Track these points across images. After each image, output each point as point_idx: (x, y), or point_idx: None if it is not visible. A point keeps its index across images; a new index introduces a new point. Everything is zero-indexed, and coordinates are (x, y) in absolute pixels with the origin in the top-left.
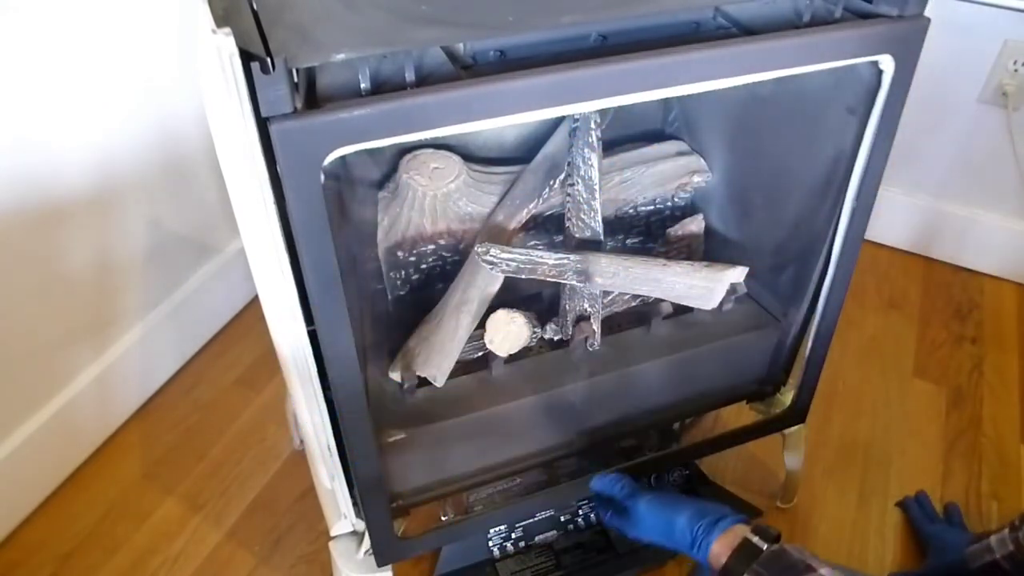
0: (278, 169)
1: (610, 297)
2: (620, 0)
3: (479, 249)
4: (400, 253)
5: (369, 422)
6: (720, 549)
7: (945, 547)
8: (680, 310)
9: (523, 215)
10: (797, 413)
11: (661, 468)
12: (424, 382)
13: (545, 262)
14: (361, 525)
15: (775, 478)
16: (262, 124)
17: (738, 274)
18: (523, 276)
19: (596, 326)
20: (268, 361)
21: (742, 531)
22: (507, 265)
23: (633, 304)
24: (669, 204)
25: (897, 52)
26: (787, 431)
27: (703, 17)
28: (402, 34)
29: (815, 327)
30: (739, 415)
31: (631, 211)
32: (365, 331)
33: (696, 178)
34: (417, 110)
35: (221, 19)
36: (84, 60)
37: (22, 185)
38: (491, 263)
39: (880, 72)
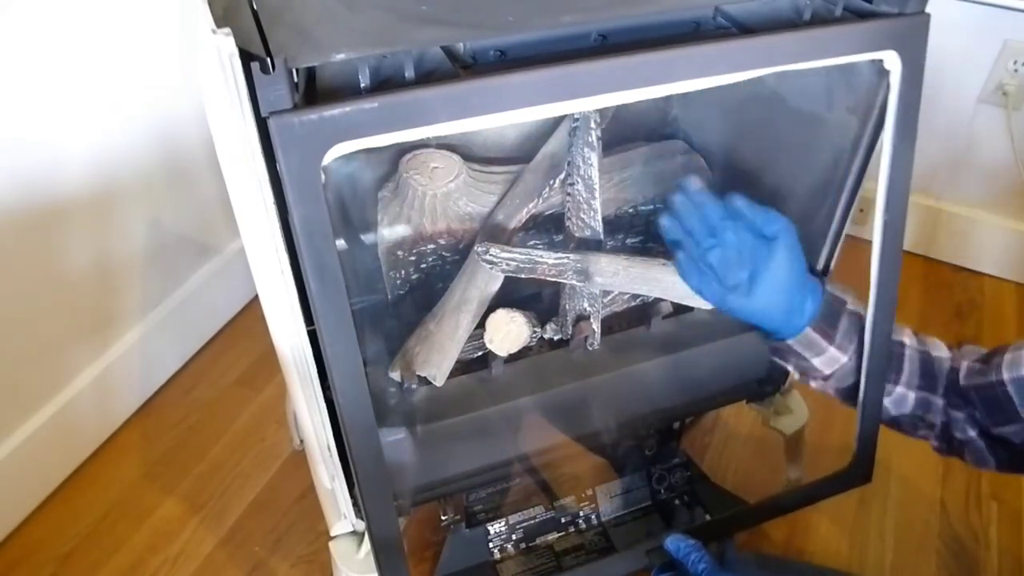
0: (278, 168)
1: (610, 297)
2: (620, 0)
3: (479, 248)
4: (400, 252)
5: (373, 421)
6: None
7: None
8: (680, 310)
9: (523, 215)
10: (860, 471)
11: (726, 532)
12: (424, 382)
13: (545, 261)
14: (361, 525)
15: (775, 479)
16: (262, 124)
17: None
18: (523, 275)
19: (596, 326)
20: (268, 361)
21: None
22: (507, 264)
23: (633, 304)
24: None
25: (902, 49)
26: (789, 432)
27: (703, 16)
28: (402, 34)
29: (865, 368)
30: (739, 415)
31: (631, 211)
32: (364, 331)
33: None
34: (417, 105)
35: (221, 19)
36: (84, 60)
37: (22, 185)
38: (491, 262)
39: (885, 72)
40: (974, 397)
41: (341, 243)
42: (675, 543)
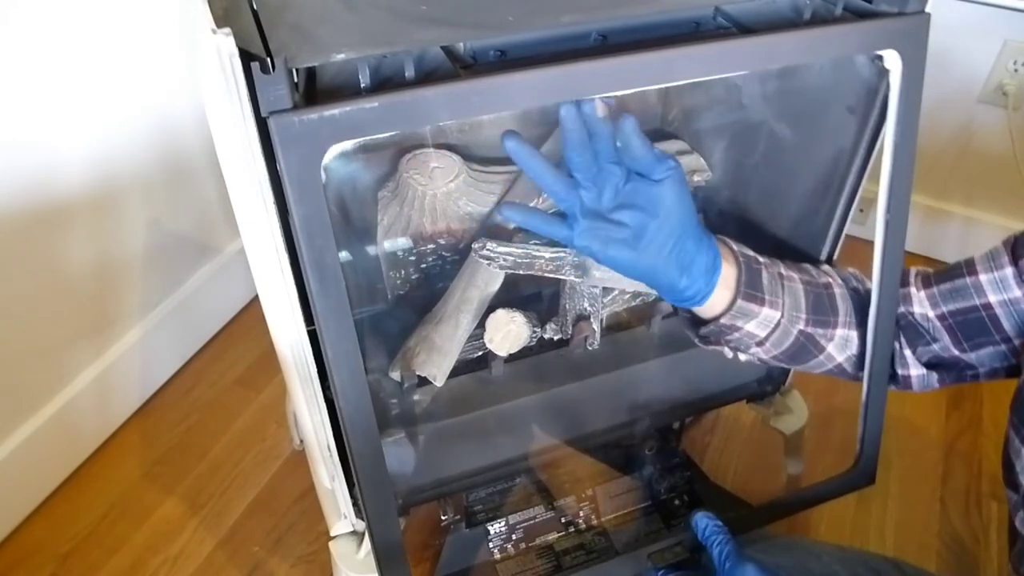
0: (278, 168)
1: (610, 296)
2: (620, 0)
3: (476, 244)
4: (400, 252)
5: (373, 421)
6: None
7: None
8: (680, 309)
9: None
10: (864, 473)
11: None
12: (424, 382)
13: (542, 256)
14: (361, 525)
15: (776, 479)
16: (262, 124)
17: None
18: (521, 271)
19: (596, 325)
20: (268, 361)
21: None
22: (504, 260)
23: (633, 303)
24: None
25: (902, 48)
26: (789, 432)
27: (703, 16)
28: (402, 34)
29: (868, 368)
30: (739, 415)
31: None
32: (364, 330)
33: (696, 178)
34: (417, 105)
35: (221, 19)
36: (84, 59)
37: (22, 185)
38: (488, 258)
39: (886, 71)
40: (951, 324)
41: (345, 254)
42: (704, 520)
